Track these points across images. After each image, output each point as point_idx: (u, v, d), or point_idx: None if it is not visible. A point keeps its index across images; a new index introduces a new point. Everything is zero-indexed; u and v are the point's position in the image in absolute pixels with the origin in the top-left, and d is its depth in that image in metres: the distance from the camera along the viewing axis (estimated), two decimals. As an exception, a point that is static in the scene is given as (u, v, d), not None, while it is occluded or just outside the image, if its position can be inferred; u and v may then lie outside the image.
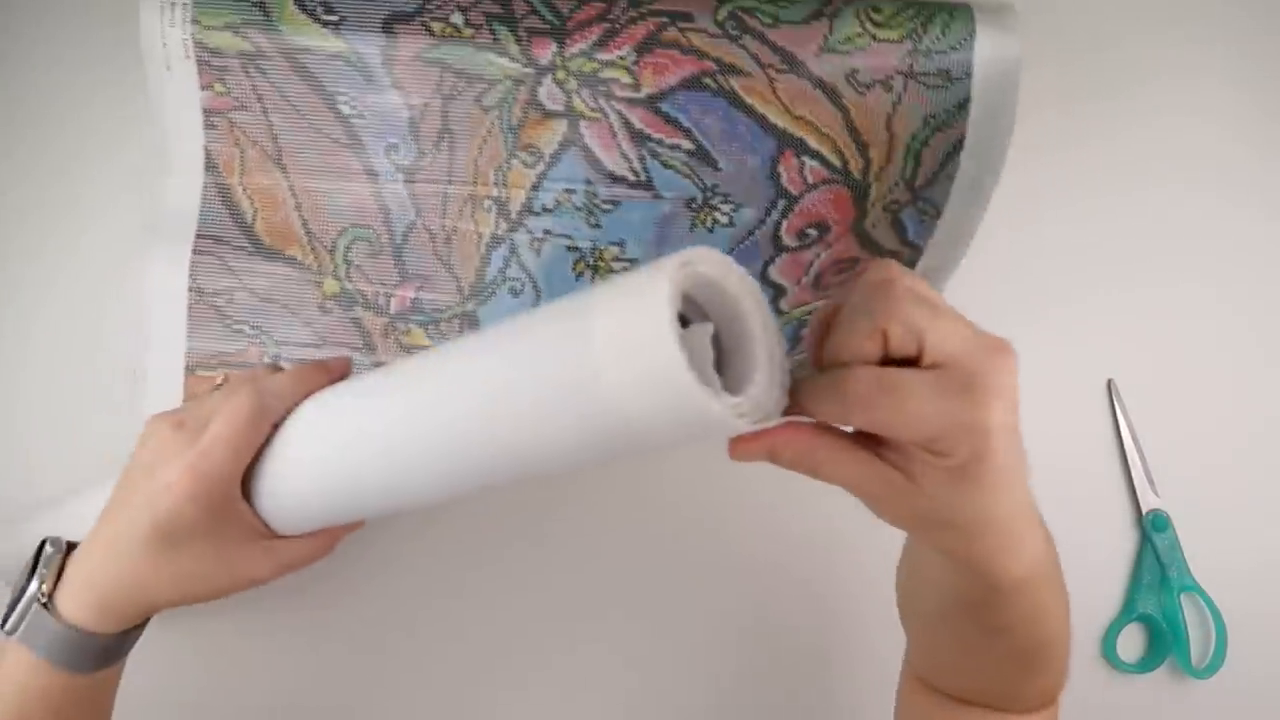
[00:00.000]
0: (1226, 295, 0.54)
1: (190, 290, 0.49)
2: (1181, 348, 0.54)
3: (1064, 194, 0.54)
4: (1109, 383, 0.54)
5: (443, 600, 0.53)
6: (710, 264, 0.29)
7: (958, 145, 0.44)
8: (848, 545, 0.53)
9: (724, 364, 0.30)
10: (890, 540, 0.37)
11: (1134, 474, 0.54)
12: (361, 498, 0.37)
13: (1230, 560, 0.54)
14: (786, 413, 0.30)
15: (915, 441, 0.29)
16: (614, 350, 0.27)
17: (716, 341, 0.29)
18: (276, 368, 0.41)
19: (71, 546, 0.40)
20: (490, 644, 0.53)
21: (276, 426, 0.39)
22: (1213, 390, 0.54)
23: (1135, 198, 0.54)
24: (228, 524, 0.38)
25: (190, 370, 0.50)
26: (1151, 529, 0.54)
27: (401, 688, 0.53)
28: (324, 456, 0.37)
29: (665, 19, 0.44)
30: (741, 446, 0.31)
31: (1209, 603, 0.53)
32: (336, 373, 0.40)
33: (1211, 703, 0.53)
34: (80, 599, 0.38)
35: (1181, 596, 0.53)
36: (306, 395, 0.39)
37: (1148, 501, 0.54)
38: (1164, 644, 0.54)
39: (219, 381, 0.42)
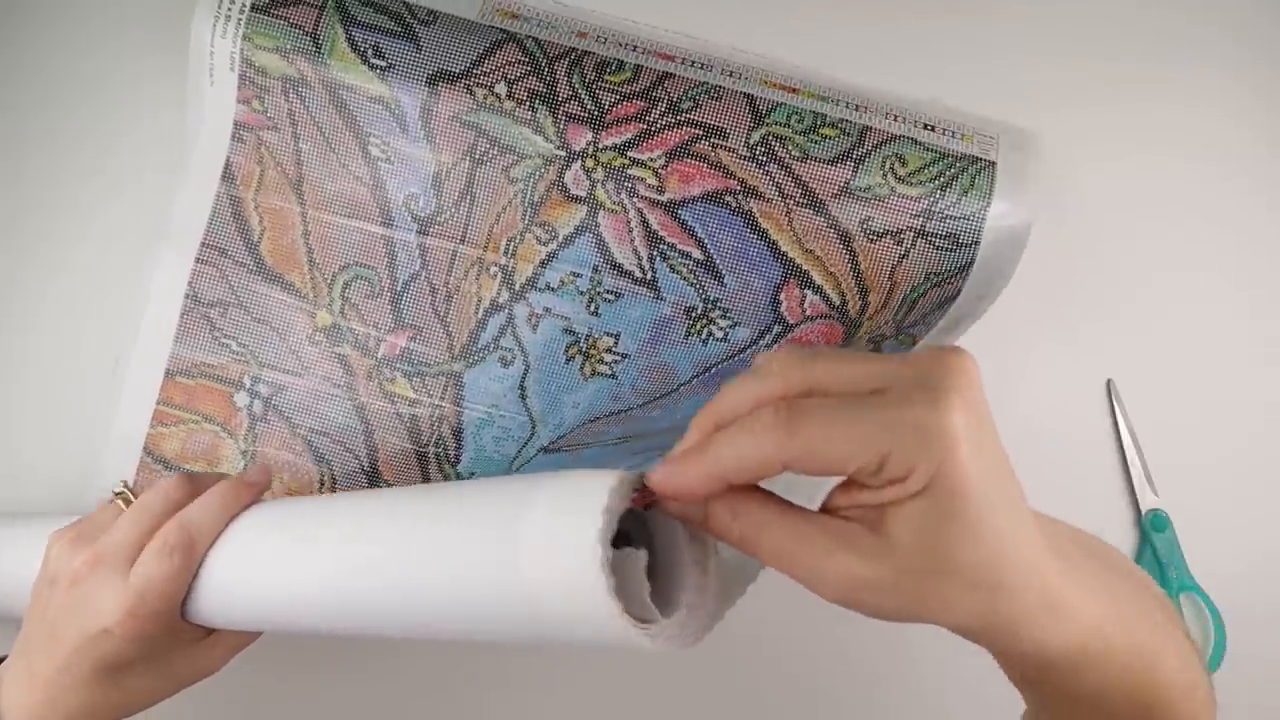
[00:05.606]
0: (1227, 295, 0.54)
1: (186, 296, 0.50)
2: (1181, 348, 0.54)
3: (1061, 192, 0.53)
4: (1108, 383, 0.54)
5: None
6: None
7: (952, 298, 0.46)
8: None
9: (658, 573, 0.29)
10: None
11: (1133, 474, 0.53)
12: (298, 625, 0.37)
13: (1230, 560, 0.53)
14: (670, 488, 0.27)
15: (863, 468, 0.24)
16: (541, 568, 0.28)
17: (651, 553, 0.29)
18: (191, 480, 0.41)
19: None
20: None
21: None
22: (1213, 390, 0.54)
23: (1134, 195, 0.53)
24: (171, 643, 0.39)
25: (170, 375, 0.50)
26: (1151, 529, 0.53)
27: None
28: (257, 591, 0.37)
29: (700, 131, 0.45)
30: (672, 507, 0.28)
31: (1208, 603, 0.53)
32: (259, 488, 0.40)
33: (1210, 702, 0.53)
34: None
35: (1181, 596, 0.53)
36: (232, 518, 0.39)
37: (1147, 501, 0.53)
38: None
39: (116, 491, 0.42)
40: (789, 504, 0.28)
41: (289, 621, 0.37)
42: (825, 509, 0.28)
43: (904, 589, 0.25)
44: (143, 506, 0.39)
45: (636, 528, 0.30)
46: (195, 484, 0.40)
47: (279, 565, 0.37)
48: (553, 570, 0.27)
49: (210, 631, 0.40)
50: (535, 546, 0.28)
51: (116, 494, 0.42)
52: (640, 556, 0.28)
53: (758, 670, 0.54)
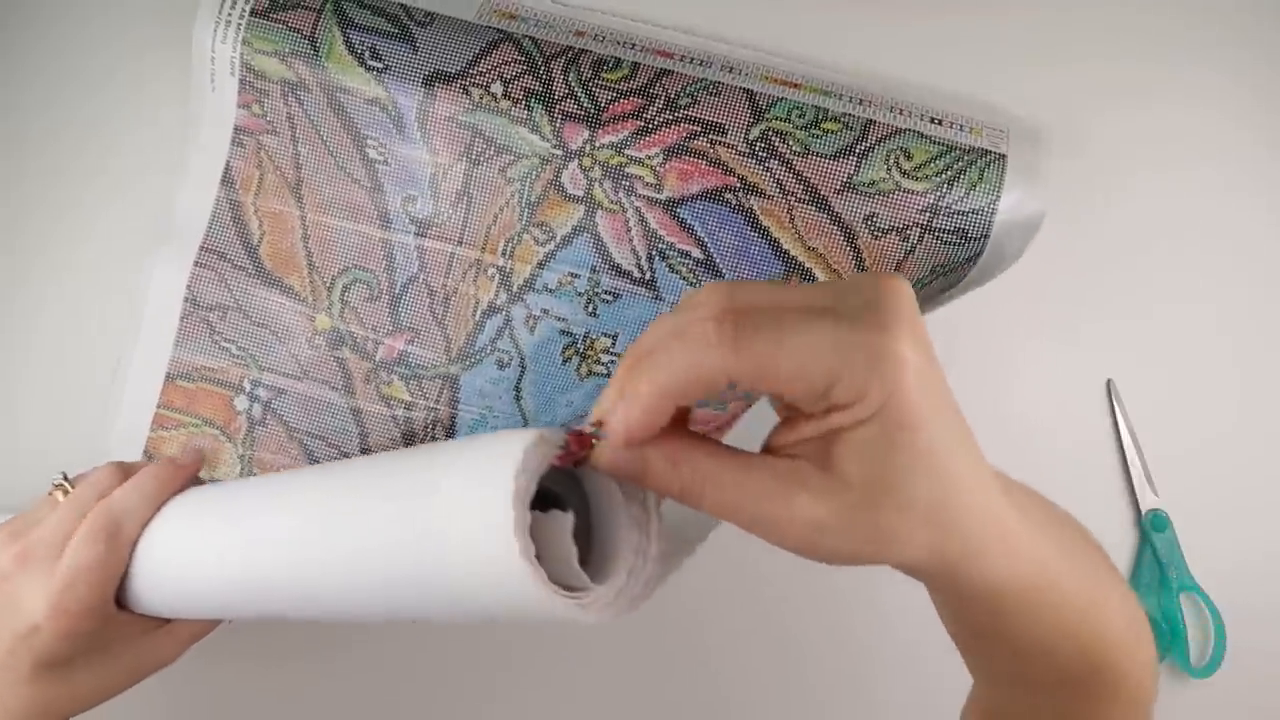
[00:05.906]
0: (1227, 294, 0.54)
1: (185, 300, 0.50)
2: (1181, 348, 0.53)
3: (1062, 193, 0.50)
4: (1108, 383, 0.53)
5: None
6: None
7: (956, 283, 0.45)
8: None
9: (593, 537, 0.28)
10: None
11: (1133, 474, 0.53)
12: (231, 609, 0.36)
13: (1230, 560, 0.53)
14: (611, 424, 0.25)
15: (811, 388, 0.23)
16: (458, 536, 0.26)
17: (586, 515, 0.27)
18: (121, 468, 0.40)
19: None
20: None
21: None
22: (1212, 390, 0.53)
23: (1134, 196, 0.53)
24: (114, 635, 0.38)
25: (170, 378, 0.50)
26: (1151, 529, 0.53)
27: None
28: (191, 575, 0.36)
29: (698, 128, 0.45)
30: (604, 460, 0.25)
31: (1208, 602, 0.53)
32: (190, 470, 0.40)
33: (1210, 702, 0.52)
34: None
35: (1181, 596, 0.53)
36: (163, 502, 0.38)
37: (1147, 501, 0.53)
38: (1163, 643, 0.53)
39: (55, 483, 0.41)
40: (731, 449, 0.26)
41: (223, 606, 0.36)
42: (768, 449, 0.26)
43: (858, 527, 0.24)
44: (73, 499, 0.38)
45: (570, 490, 0.28)
46: (126, 471, 0.40)
47: (208, 548, 0.36)
48: (469, 538, 0.25)
49: (165, 621, 0.39)
50: (452, 513, 0.26)
51: (56, 485, 0.41)
52: (565, 519, 0.26)
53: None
